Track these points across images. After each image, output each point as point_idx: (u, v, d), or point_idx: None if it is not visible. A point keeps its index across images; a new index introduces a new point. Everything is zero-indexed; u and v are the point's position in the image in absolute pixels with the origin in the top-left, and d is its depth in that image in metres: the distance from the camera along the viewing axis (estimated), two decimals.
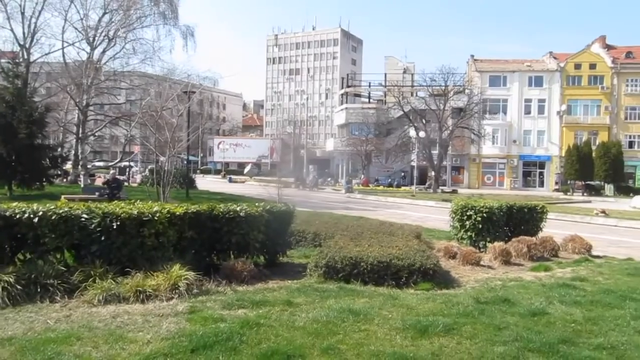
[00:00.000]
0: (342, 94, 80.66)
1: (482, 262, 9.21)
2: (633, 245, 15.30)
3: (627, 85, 61.86)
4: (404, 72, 79.01)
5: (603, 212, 24.84)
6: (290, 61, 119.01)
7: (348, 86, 78.22)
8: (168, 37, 35.95)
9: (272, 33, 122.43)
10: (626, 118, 61.86)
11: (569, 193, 51.23)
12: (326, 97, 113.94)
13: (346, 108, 71.99)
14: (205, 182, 46.82)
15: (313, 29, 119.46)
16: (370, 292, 6.78)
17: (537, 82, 63.25)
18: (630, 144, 60.95)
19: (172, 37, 38.93)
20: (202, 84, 38.18)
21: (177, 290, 6.42)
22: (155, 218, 7.13)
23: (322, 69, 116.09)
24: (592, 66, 62.15)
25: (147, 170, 42.77)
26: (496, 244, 9.61)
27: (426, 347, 4.80)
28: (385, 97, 69.07)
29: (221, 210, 8.08)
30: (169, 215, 7.34)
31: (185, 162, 34.43)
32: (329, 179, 60.43)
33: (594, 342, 5.16)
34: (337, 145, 71.91)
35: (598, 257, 10.87)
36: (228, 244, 8.08)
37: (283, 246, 9.12)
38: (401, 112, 53.21)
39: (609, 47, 64.68)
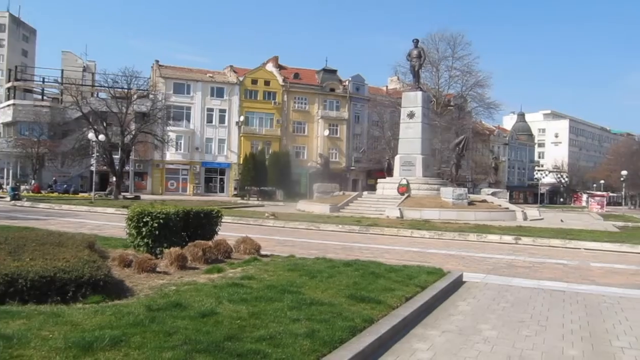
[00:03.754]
0: (9, 88, 71.35)
1: (158, 269, 9.13)
2: (296, 243, 17.21)
3: (294, 103, 70.20)
4: (84, 71, 74.54)
5: (273, 214, 27.29)
6: None
7: (17, 79, 69.79)
8: None
9: None
10: (294, 131, 70.13)
11: (245, 198, 55.20)
12: None
13: (14, 104, 64.19)
14: None
15: None
16: (29, 312, 6.03)
17: (219, 93, 66.83)
18: (297, 154, 69.21)
19: None
20: None
21: None
22: None
23: None
24: (267, 83, 68.67)
25: None
26: (172, 249, 9.64)
27: None
28: (62, 95, 63.87)
29: None
30: None
31: None
32: None
33: (256, 334, 5.55)
34: (3, 146, 63.47)
35: (266, 256, 11.79)
36: None
37: None
38: (80, 113, 49.85)
39: (281, 67, 72.42)
